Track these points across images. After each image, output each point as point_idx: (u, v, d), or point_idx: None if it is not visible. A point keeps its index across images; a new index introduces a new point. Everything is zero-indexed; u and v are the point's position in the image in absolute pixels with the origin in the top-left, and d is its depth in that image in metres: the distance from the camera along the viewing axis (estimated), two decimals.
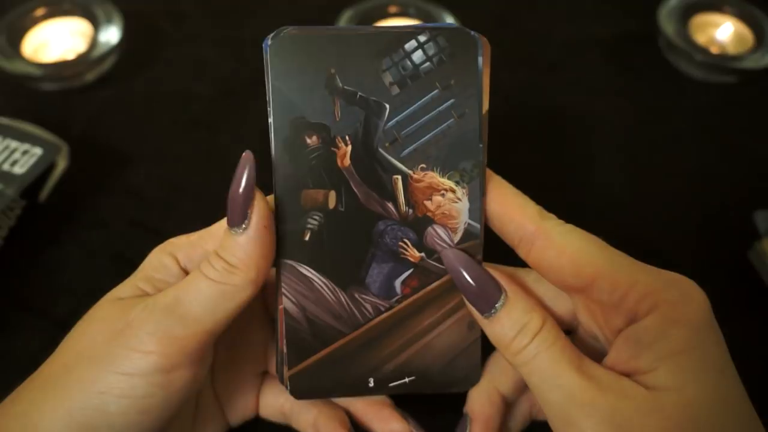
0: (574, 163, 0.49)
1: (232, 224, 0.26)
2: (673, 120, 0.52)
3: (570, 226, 0.27)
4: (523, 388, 0.31)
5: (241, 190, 0.25)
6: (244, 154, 0.26)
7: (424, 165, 0.27)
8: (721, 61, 0.53)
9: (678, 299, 0.25)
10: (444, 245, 0.28)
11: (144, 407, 0.25)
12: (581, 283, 0.26)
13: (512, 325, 0.26)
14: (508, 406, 0.31)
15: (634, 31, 0.58)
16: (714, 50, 0.54)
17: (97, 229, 0.44)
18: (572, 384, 0.24)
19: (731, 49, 0.55)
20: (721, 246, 0.45)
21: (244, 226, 0.25)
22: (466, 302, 0.27)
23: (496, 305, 0.26)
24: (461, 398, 0.31)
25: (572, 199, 0.47)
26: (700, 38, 0.55)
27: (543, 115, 0.52)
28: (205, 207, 0.45)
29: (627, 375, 0.25)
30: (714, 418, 0.23)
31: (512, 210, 0.27)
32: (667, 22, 0.54)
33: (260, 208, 0.26)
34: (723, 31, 0.56)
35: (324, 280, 0.28)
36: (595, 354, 0.27)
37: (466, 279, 0.27)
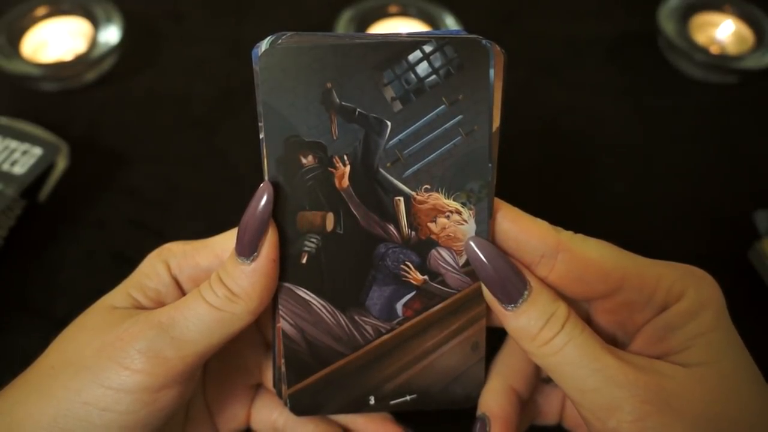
0: (573, 162, 0.49)
1: (240, 253, 0.25)
2: (674, 120, 0.51)
3: (582, 236, 0.26)
4: (533, 386, 0.31)
5: (255, 220, 0.24)
6: (262, 184, 0.25)
7: (428, 186, 0.25)
8: (721, 61, 0.52)
9: (700, 285, 0.26)
10: (449, 268, 0.27)
11: (127, 422, 0.25)
12: (609, 288, 0.26)
13: (539, 315, 0.25)
14: (522, 404, 0.30)
15: (634, 30, 0.57)
16: (714, 50, 0.53)
17: (96, 229, 0.44)
18: (611, 366, 0.24)
19: (731, 49, 0.54)
20: (721, 246, 0.44)
21: (252, 257, 0.25)
22: (486, 295, 0.26)
23: (522, 296, 0.25)
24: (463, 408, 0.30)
25: (572, 199, 0.47)
26: (700, 38, 0.54)
27: (542, 115, 0.51)
28: (204, 207, 0.45)
29: (656, 358, 0.25)
30: (748, 386, 0.24)
31: (528, 227, 0.25)
32: (667, 22, 0.53)
33: (271, 242, 0.25)
34: (723, 30, 0.55)
35: (322, 303, 0.27)
36: None
37: (489, 270, 0.25)
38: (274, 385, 0.29)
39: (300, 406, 0.29)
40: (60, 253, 0.42)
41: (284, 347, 0.27)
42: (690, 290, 0.25)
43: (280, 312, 0.27)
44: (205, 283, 0.26)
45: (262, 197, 0.24)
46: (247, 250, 0.25)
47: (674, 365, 0.24)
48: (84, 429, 0.24)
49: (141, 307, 0.27)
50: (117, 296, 0.27)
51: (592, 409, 0.24)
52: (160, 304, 0.27)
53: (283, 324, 0.27)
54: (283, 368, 0.28)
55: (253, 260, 0.25)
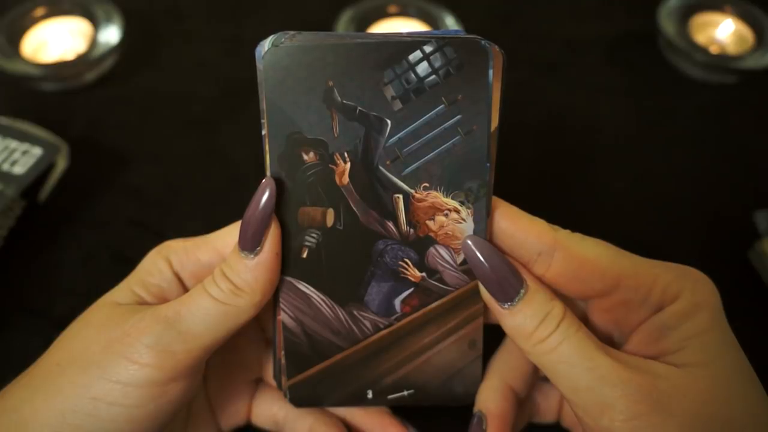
0: (573, 162, 0.49)
1: (243, 248, 0.25)
2: (673, 120, 0.51)
3: (579, 235, 0.26)
4: (531, 384, 0.31)
5: (258, 215, 0.25)
6: (264, 179, 0.25)
7: (426, 184, 0.26)
8: (721, 61, 0.52)
9: (696, 286, 0.26)
10: (447, 266, 0.27)
11: (134, 416, 0.25)
12: (606, 287, 0.26)
13: (535, 313, 0.25)
14: (518, 402, 0.31)
15: (634, 31, 0.57)
16: (714, 50, 0.53)
17: (96, 229, 0.44)
18: (604, 366, 0.24)
19: (731, 49, 0.54)
20: (721, 246, 0.44)
21: (256, 251, 0.25)
22: (483, 293, 0.26)
23: (518, 295, 0.25)
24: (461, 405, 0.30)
25: (571, 198, 0.47)
26: (700, 38, 0.54)
27: (543, 114, 0.52)
28: (204, 207, 0.45)
29: (651, 358, 0.25)
30: (743, 388, 0.24)
31: (525, 226, 0.26)
32: (667, 22, 0.53)
33: (274, 236, 0.25)
34: (723, 29, 0.55)
35: (322, 297, 0.27)
36: None
37: (486, 268, 0.25)
38: (275, 377, 0.29)
39: (299, 398, 0.29)
40: (60, 253, 0.42)
41: (284, 339, 0.28)
42: (686, 291, 0.26)
43: (281, 305, 0.27)
44: (209, 278, 0.26)
45: (264, 192, 0.25)
46: (250, 244, 0.25)
47: (668, 366, 0.24)
48: (92, 424, 0.25)
49: (144, 304, 0.27)
50: (120, 293, 0.28)
51: (585, 408, 0.24)
52: (163, 300, 0.28)
53: (283, 316, 0.28)
54: (283, 360, 0.28)
55: (256, 254, 0.25)
